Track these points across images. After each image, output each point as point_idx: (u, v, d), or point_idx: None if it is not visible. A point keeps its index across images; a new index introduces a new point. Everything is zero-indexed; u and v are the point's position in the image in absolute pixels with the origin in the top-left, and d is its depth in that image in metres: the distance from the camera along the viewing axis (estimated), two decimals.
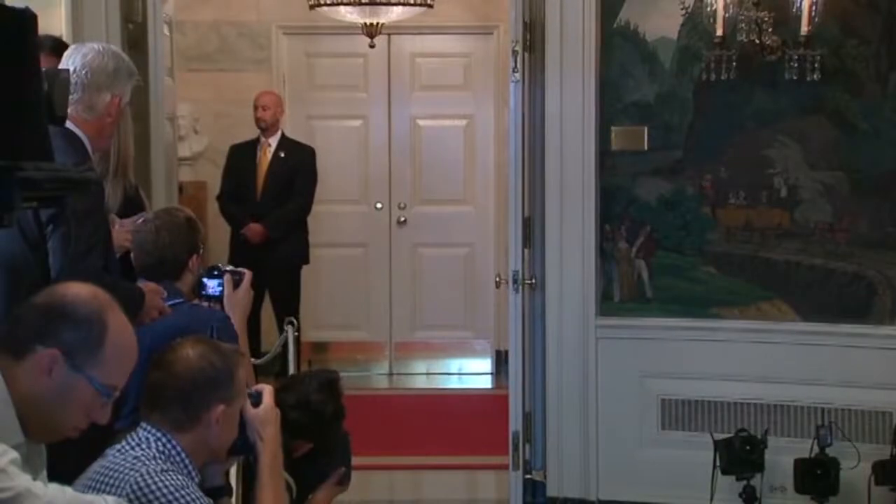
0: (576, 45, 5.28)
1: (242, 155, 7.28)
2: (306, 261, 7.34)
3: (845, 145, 5.10)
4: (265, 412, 2.78)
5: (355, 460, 3.54)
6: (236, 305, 3.57)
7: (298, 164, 7.24)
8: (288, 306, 6.85)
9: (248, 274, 3.59)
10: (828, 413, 5.06)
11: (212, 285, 3.59)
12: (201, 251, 3.67)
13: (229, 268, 3.57)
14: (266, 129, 7.25)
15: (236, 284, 3.59)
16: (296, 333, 4.66)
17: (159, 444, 2.59)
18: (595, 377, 5.26)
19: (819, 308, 5.13)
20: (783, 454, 5.00)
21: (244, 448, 2.76)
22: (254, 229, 7.08)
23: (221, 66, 8.26)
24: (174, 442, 2.61)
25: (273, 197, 7.15)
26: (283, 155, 7.25)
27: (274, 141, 7.27)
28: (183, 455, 2.61)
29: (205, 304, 3.51)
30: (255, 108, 7.28)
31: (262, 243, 7.05)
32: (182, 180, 7.18)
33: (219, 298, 3.58)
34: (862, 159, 5.07)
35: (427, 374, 8.34)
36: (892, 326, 5.05)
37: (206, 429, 2.62)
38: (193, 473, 2.62)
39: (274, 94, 7.45)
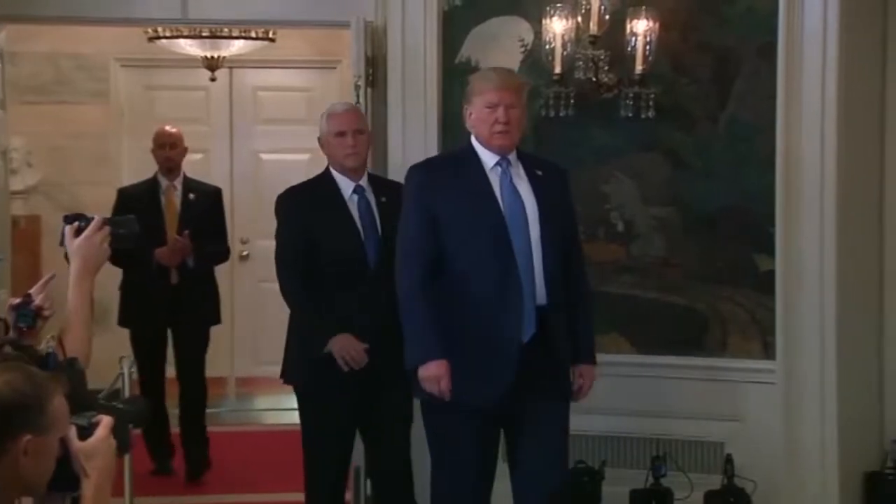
0: (417, 81, 5.33)
1: (140, 200, 6.09)
2: (217, 320, 6.52)
3: (678, 182, 5.22)
4: (93, 445, 2.66)
5: (221, 498, 3.41)
6: (75, 252, 3.46)
7: (209, 208, 6.31)
8: (196, 375, 6.32)
9: (94, 220, 3.46)
10: (662, 444, 5.16)
11: None
12: None
13: (75, 214, 3.45)
14: (172, 169, 6.29)
15: (80, 231, 3.48)
16: (131, 370, 4.56)
17: None
18: None
19: (654, 341, 5.22)
20: (620, 485, 5.07)
21: (64, 483, 2.63)
22: (178, 242, 6.06)
23: (58, 99, 8.09)
24: None
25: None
26: (192, 198, 6.29)
27: (179, 183, 6.29)
28: None
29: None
30: (161, 146, 6.30)
31: (174, 297, 6.13)
32: (15, 214, 6.98)
33: None
34: (694, 195, 5.20)
35: (270, 409, 8.25)
36: (722, 358, 5.18)
37: (14, 460, 2.52)
38: None
39: (178, 131, 6.42)
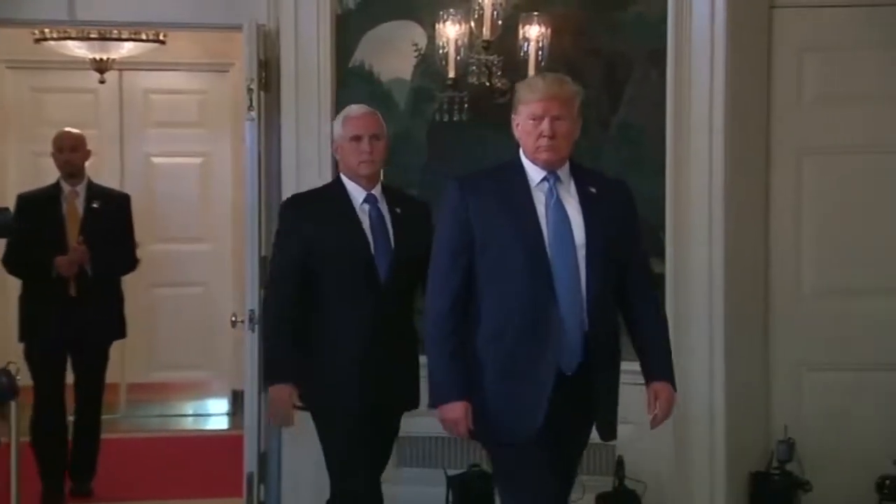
0: (311, 85, 5.32)
1: (40, 207, 5.91)
2: (122, 334, 6.23)
3: None
4: None
5: None
6: None
7: (115, 215, 6.08)
8: (93, 385, 6.08)
9: None
10: None
11: None
12: None
13: None
14: (74, 174, 6.00)
15: None
16: (17, 377, 4.46)
17: None
18: None
19: None
20: None
21: None
22: (76, 251, 5.82)
23: None
24: None
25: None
26: (96, 206, 6.02)
27: (83, 189, 6.02)
28: None
29: None
30: (60, 149, 6.01)
31: (74, 310, 5.84)
32: None
33: None
34: None
35: (162, 415, 8.15)
36: None
37: None
38: None
39: (80, 133, 6.14)
